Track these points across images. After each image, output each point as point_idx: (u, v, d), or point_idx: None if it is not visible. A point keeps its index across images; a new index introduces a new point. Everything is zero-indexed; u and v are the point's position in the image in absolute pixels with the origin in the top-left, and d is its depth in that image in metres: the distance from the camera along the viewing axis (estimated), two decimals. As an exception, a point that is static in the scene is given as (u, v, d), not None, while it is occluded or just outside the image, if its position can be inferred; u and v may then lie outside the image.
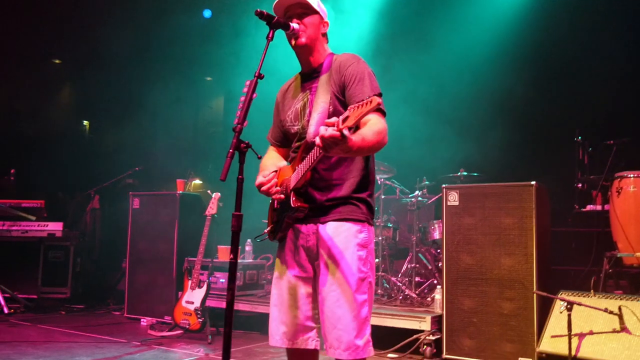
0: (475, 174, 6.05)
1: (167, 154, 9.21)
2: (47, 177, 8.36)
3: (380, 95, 2.39)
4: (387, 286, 6.01)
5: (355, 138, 2.08)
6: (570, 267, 6.07)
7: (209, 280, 5.56)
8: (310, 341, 2.54)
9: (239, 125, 2.24)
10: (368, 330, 2.45)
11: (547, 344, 4.23)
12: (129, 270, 6.58)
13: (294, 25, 2.50)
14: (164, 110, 9.36)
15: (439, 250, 6.20)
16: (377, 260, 6.10)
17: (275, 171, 2.56)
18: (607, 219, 5.47)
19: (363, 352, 2.41)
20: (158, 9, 9.11)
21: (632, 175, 5.18)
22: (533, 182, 4.55)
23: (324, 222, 2.47)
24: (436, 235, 6.03)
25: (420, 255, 6.22)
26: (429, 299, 5.58)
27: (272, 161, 2.72)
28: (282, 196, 2.46)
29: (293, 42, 2.55)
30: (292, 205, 2.40)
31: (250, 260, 6.28)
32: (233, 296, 2.23)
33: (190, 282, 5.49)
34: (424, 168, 6.56)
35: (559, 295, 4.35)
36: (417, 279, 5.98)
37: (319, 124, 2.42)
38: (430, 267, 6.17)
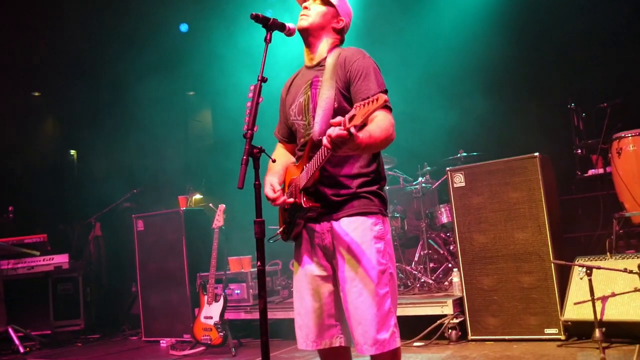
0: (475, 154, 6.04)
1: (162, 173, 9.16)
2: (44, 210, 8.29)
3: (386, 91, 2.39)
4: (402, 276, 5.99)
5: (363, 135, 2.06)
6: (581, 234, 6.09)
7: (224, 293, 5.53)
8: (335, 339, 2.52)
9: (249, 131, 2.22)
10: (393, 322, 2.41)
11: (571, 312, 4.23)
12: (141, 293, 6.53)
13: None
14: (152, 130, 9.29)
15: (448, 234, 6.22)
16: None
17: (283, 183, 2.54)
18: (610, 182, 5.49)
19: (389, 344, 2.38)
20: (134, 30, 9.04)
21: (630, 135, 5.20)
22: (536, 154, 4.56)
23: (337, 219, 2.44)
24: (444, 219, 6.03)
25: (430, 241, 6.21)
26: (446, 283, 5.58)
27: (280, 160, 2.69)
28: (292, 200, 2.43)
29: (298, 27, 2.53)
30: (304, 206, 2.37)
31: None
32: (265, 304, 2.21)
33: (206, 297, 5.45)
34: (423, 154, 6.56)
35: (576, 262, 4.36)
36: (431, 265, 5.98)
37: (324, 121, 2.40)
38: (442, 252, 6.16)
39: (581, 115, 6.25)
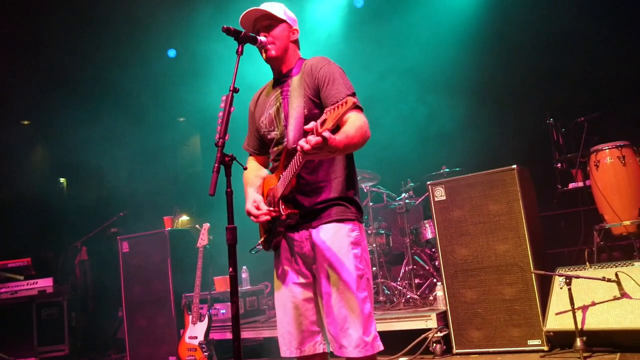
0: (458, 169, 6.11)
1: (149, 198, 9.15)
2: (31, 237, 8.23)
3: (354, 94, 2.46)
4: (389, 292, 6.00)
5: (339, 137, 2.12)
6: (564, 249, 6.14)
7: (209, 312, 5.50)
8: (318, 345, 2.56)
9: (220, 140, 2.27)
10: (373, 326, 2.47)
11: (552, 322, 4.25)
12: (126, 316, 6.47)
13: (262, 38, 2.55)
14: (142, 156, 9.30)
15: (433, 250, 6.24)
16: (374, 268, 6.10)
17: (264, 193, 2.57)
18: (590, 194, 5.56)
19: (372, 347, 2.44)
20: (123, 56, 9.09)
21: (607, 148, 5.29)
22: (514, 166, 4.62)
23: (315, 227, 2.50)
24: (428, 234, 6.06)
25: (416, 257, 6.24)
26: (431, 297, 5.59)
27: (254, 173, 2.75)
28: (274, 214, 2.46)
29: (264, 54, 2.60)
30: (283, 213, 2.42)
31: (249, 287, 6.24)
32: (237, 310, 2.23)
33: (190, 317, 5.43)
34: (406, 171, 6.63)
35: (556, 272, 4.40)
36: (416, 280, 5.99)
37: (297, 130, 2.46)
38: (427, 268, 6.18)
39: (560, 130, 6.36)
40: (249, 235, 2.81)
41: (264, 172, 2.76)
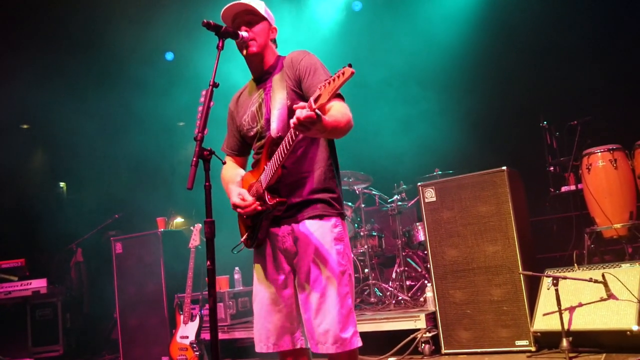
0: (451, 172, 6.12)
1: (146, 201, 9.15)
2: (29, 239, 8.25)
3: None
4: (380, 294, 6.01)
5: (329, 119, 2.16)
6: (555, 254, 6.14)
7: (201, 312, 5.52)
8: (297, 341, 2.56)
9: (199, 134, 2.29)
10: (353, 322, 2.47)
11: (540, 323, 4.26)
12: (119, 317, 6.49)
13: (243, 33, 2.56)
14: (142, 160, 9.32)
15: (425, 252, 6.23)
16: (366, 270, 6.11)
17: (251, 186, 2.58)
18: (582, 198, 5.56)
19: (350, 343, 2.44)
20: (121, 60, 9.12)
21: (599, 151, 5.29)
22: (504, 168, 4.64)
23: (298, 222, 2.51)
24: (421, 237, 6.07)
25: (408, 259, 6.24)
26: (421, 299, 5.59)
27: (232, 172, 2.74)
28: (260, 208, 2.45)
29: (244, 51, 2.61)
30: (269, 202, 2.40)
31: (241, 288, 6.25)
32: (215, 302, 2.26)
33: (182, 316, 5.44)
34: (399, 173, 6.65)
35: (544, 273, 4.40)
36: (408, 282, 6.00)
37: (280, 120, 2.48)
38: (419, 270, 6.19)
39: (554, 134, 6.37)
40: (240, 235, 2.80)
41: (241, 171, 2.76)
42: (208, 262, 2.25)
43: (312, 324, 2.45)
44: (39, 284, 6.88)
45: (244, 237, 2.65)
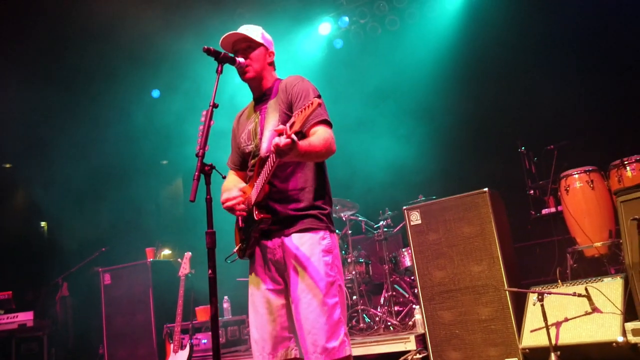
0: (434, 197, 6.26)
1: (133, 241, 9.08)
2: (12, 276, 8.17)
3: (322, 111, 2.63)
4: (369, 320, 6.06)
5: (303, 143, 2.32)
6: (540, 279, 6.25)
7: (191, 341, 5.51)
8: (290, 350, 2.64)
9: (201, 151, 2.42)
10: (343, 331, 2.55)
11: (528, 339, 4.35)
12: (107, 349, 6.45)
13: (240, 60, 2.73)
14: (125, 200, 9.28)
15: (412, 278, 6.34)
16: (354, 297, 6.17)
17: (243, 192, 2.71)
18: (563, 220, 5.73)
19: (339, 352, 2.51)
20: (106, 98, 9.16)
21: (576, 173, 5.51)
22: (486, 189, 4.80)
23: (288, 235, 2.62)
24: (407, 262, 6.17)
25: (395, 285, 6.32)
26: (410, 323, 5.66)
27: (233, 183, 2.89)
28: (244, 213, 2.61)
29: (242, 76, 2.78)
30: (256, 218, 2.55)
31: (230, 317, 6.27)
32: (217, 310, 2.33)
33: (172, 345, 5.43)
34: (384, 200, 6.78)
35: (529, 290, 4.53)
36: (396, 308, 6.06)
37: (270, 140, 2.63)
38: (407, 296, 6.27)
39: (532, 159, 6.58)
40: (230, 265, 2.89)
41: (242, 184, 2.90)
42: (210, 271, 2.33)
43: (302, 333, 2.54)
44: (25, 317, 6.81)
45: (237, 248, 2.78)
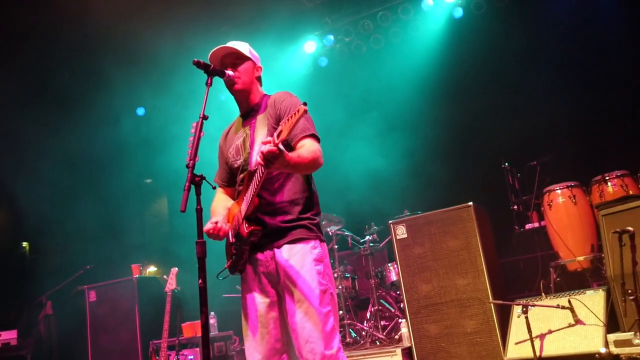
0: (419, 212, 6.33)
1: (116, 253, 9.05)
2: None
3: (310, 125, 2.69)
4: (355, 335, 6.07)
5: (292, 155, 2.39)
6: (524, 294, 6.32)
7: (177, 357, 5.48)
8: None
9: (191, 162, 2.46)
10: (337, 339, 2.61)
11: (513, 351, 4.40)
12: (92, 367, 6.37)
13: (229, 72, 2.79)
14: (108, 219, 9.19)
15: (398, 292, 6.37)
16: (340, 312, 6.19)
17: (229, 221, 2.75)
18: (546, 235, 5.82)
19: (336, 359, 2.55)
20: (89, 115, 9.09)
21: (558, 189, 5.61)
22: (470, 203, 4.88)
23: (279, 246, 2.66)
24: (393, 277, 6.21)
25: (381, 300, 6.35)
26: (396, 337, 5.68)
27: (221, 204, 2.93)
28: (227, 231, 2.67)
29: (231, 88, 2.83)
30: (245, 230, 2.58)
31: (216, 333, 6.23)
32: (207, 319, 2.35)
33: (158, 361, 5.40)
34: (370, 216, 6.84)
35: (514, 302, 4.58)
36: (382, 322, 6.08)
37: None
38: (393, 310, 6.29)
39: (515, 175, 6.69)
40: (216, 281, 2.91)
41: (229, 203, 2.93)
42: (200, 281, 2.35)
43: (299, 342, 2.56)
44: (8, 335, 6.72)
45: (228, 264, 2.79)
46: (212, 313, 6.40)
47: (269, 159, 2.24)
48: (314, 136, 2.65)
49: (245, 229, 2.58)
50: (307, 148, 2.55)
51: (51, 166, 8.66)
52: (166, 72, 8.39)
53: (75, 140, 8.75)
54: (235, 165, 2.84)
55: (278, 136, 2.21)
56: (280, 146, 2.22)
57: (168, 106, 8.80)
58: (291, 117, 2.19)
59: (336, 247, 6.44)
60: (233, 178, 2.93)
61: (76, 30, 7.59)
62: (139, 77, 8.70)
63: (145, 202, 10.98)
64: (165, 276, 5.95)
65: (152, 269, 7.78)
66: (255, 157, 2.67)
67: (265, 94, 2.93)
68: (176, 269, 5.70)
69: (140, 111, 10.27)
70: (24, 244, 10.50)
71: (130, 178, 9.58)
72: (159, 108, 9.19)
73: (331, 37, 8.31)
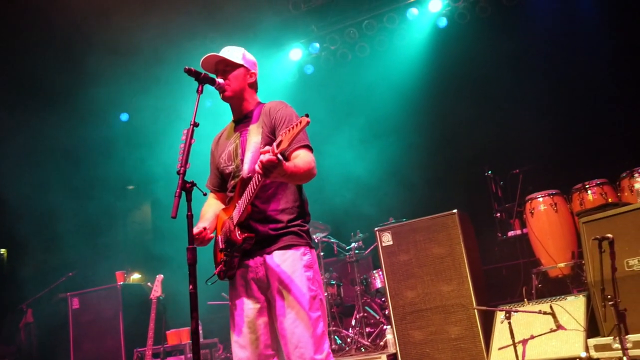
0: (404, 219, 6.39)
1: (99, 271, 8.92)
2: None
3: (304, 136, 2.74)
4: (340, 342, 6.10)
5: (289, 164, 2.42)
6: (507, 300, 6.41)
7: (162, 365, 5.47)
8: None
9: (182, 168, 2.48)
10: (327, 344, 2.64)
11: (496, 357, 4.46)
12: (75, 375, 6.31)
13: (219, 80, 2.82)
14: (89, 227, 9.10)
15: (383, 299, 6.42)
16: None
17: (217, 227, 2.78)
18: (528, 241, 5.91)
19: None
20: (71, 120, 9.00)
21: (540, 197, 5.71)
22: (455, 210, 4.95)
23: (269, 252, 2.69)
24: (378, 284, 6.26)
25: (366, 307, 6.39)
26: (381, 343, 5.72)
27: (212, 209, 2.95)
28: (221, 237, 2.70)
29: (221, 95, 2.86)
30: (239, 237, 2.61)
31: (201, 340, 6.22)
32: (197, 324, 2.37)
33: (142, 369, 5.37)
34: (356, 223, 6.89)
35: (497, 308, 4.65)
36: (367, 329, 6.12)
37: (252, 162, 2.70)
38: (377, 317, 6.33)
39: (499, 183, 6.79)
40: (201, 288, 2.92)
41: (219, 209, 2.95)
42: (190, 287, 2.38)
43: (288, 348, 2.59)
44: (-11, 343, 6.63)
45: (217, 270, 2.81)
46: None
47: (268, 168, 2.27)
48: (308, 147, 2.69)
49: (238, 235, 2.61)
50: (302, 158, 2.59)
51: (30, 171, 8.59)
52: (152, 77, 8.36)
53: (56, 143, 8.68)
54: (227, 171, 2.87)
55: (278, 146, 2.25)
56: (279, 156, 2.25)
57: (152, 112, 8.75)
58: (293, 127, 2.22)
59: (322, 254, 6.46)
60: (224, 184, 2.95)
61: (57, 24, 7.50)
62: (124, 82, 8.66)
63: (128, 209, 10.90)
64: (149, 283, 5.93)
65: (136, 276, 7.74)
66: (247, 165, 2.71)
67: (260, 102, 2.96)
68: (161, 276, 5.68)
69: (124, 117, 10.20)
70: (2, 250, 10.37)
71: (113, 184, 9.51)
72: (143, 113, 9.14)
73: (317, 45, 8.36)
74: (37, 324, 7.80)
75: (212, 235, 2.74)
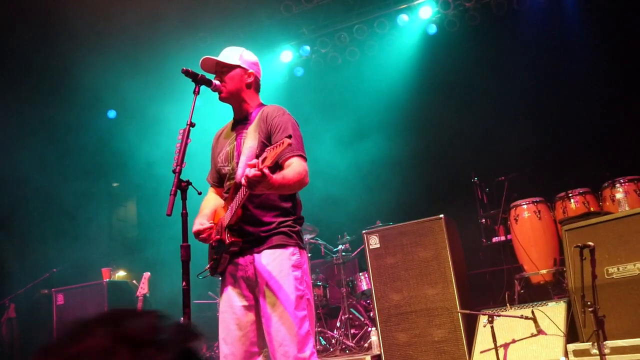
0: (391, 223, 6.47)
1: (83, 267, 8.88)
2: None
3: (297, 143, 2.76)
4: (325, 343, 6.16)
5: (277, 176, 2.47)
6: (490, 305, 6.50)
7: (146, 362, 5.46)
8: None
9: (178, 167, 2.53)
10: (311, 343, 2.69)
11: (478, 360, 4.55)
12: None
13: (216, 82, 2.87)
14: (74, 224, 9.05)
15: (368, 301, 6.49)
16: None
17: (214, 222, 2.82)
18: (512, 247, 6.02)
19: None
20: (56, 115, 8.91)
21: (524, 204, 5.82)
22: (441, 216, 5.03)
23: (259, 252, 2.75)
24: (363, 286, 6.32)
25: (352, 309, 6.45)
26: (365, 345, 5.78)
27: (211, 203, 3.00)
28: (217, 237, 2.73)
29: (218, 96, 2.91)
30: (227, 241, 2.68)
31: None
32: (190, 319, 2.41)
33: (127, 367, 5.37)
34: (343, 225, 6.95)
35: (480, 312, 4.74)
36: (352, 331, 6.19)
37: (246, 167, 2.75)
38: (363, 319, 6.40)
39: (484, 190, 6.89)
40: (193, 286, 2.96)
41: (220, 202, 3.01)
42: (184, 283, 2.42)
43: (273, 346, 2.65)
44: (-29, 338, 6.59)
45: (208, 266, 2.88)
46: (182, 319, 6.39)
47: (252, 182, 2.33)
48: (301, 156, 2.73)
49: (227, 239, 2.67)
50: (292, 168, 2.63)
51: (12, 164, 8.51)
52: (141, 75, 8.34)
53: (39, 138, 8.61)
54: (223, 172, 2.93)
55: (263, 162, 2.30)
56: (265, 170, 2.30)
57: (139, 108, 8.74)
58: (277, 146, 2.29)
59: (309, 255, 6.52)
60: (222, 179, 3.00)
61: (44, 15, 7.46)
62: (112, 80, 8.63)
63: (113, 205, 10.85)
64: (134, 281, 5.94)
65: (121, 274, 7.74)
66: (241, 171, 2.76)
67: (261, 104, 3.00)
68: (148, 273, 5.69)
69: (112, 114, 10.15)
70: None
71: (97, 180, 9.46)
72: (129, 110, 9.12)
73: (307, 48, 8.43)
74: (20, 319, 7.77)
75: (217, 236, 2.77)
